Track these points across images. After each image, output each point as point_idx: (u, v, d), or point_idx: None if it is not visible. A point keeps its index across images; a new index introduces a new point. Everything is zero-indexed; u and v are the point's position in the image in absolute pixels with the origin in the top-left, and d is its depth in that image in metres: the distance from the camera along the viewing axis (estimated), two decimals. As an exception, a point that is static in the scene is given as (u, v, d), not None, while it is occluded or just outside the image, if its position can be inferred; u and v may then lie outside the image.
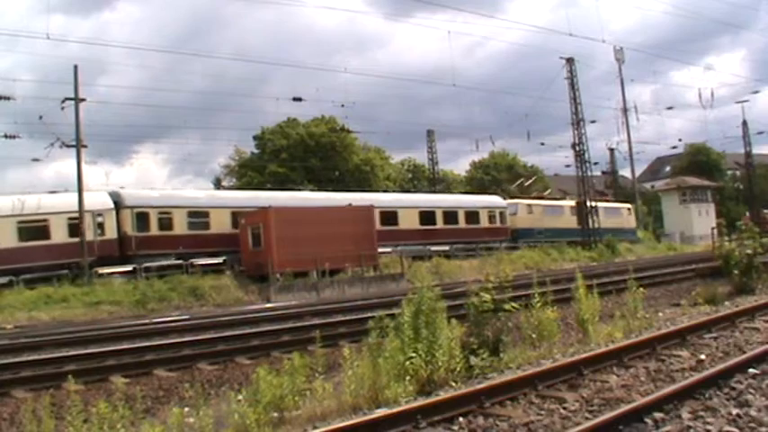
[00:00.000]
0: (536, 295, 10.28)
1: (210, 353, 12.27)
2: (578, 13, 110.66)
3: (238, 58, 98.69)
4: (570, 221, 45.16)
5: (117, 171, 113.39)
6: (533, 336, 10.05)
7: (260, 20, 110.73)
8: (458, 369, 8.17)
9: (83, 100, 27.92)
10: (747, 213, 56.36)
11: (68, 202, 27.06)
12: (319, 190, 42.43)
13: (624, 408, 6.06)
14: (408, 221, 36.17)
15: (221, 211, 30.68)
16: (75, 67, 27.53)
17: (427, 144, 56.54)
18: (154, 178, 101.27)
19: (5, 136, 29.88)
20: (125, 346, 13.64)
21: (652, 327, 11.18)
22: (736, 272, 16.14)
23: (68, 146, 27.95)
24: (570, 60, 45.02)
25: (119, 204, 28.37)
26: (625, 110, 57.36)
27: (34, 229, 26.16)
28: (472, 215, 39.46)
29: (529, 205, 44.57)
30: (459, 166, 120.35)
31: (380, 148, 60.37)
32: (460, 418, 6.40)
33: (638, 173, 68.42)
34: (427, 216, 37.31)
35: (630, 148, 59.88)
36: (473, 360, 8.42)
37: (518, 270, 29.39)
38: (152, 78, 73.53)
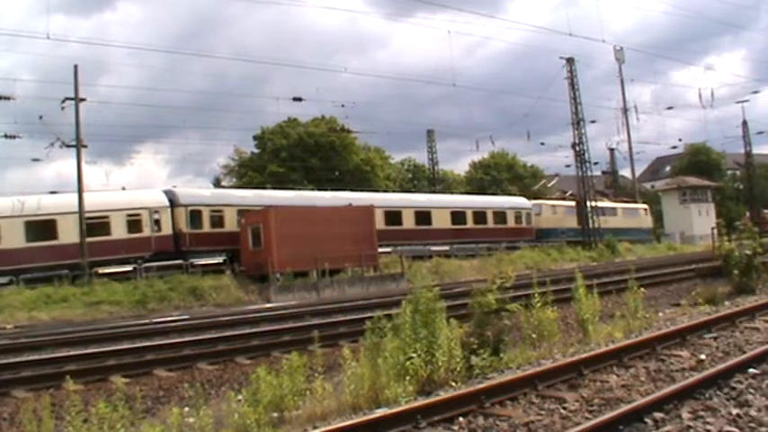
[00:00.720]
0: (536, 295, 10.27)
1: (210, 353, 12.27)
2: (579, 14, 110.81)
3: (239, 59, 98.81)
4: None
5: (117, 171, 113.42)
6: (533, 336, 10.05)
7: (260, 20, 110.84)
8: (458, 369, 8.17)
9: (83, 100, 27.96)
10: (747, 213, 56.43)
11: (127, 199, 29.40)
12: (319, 190, 42.49)
13: (624, 408, 6.06)
14: (441, 221, 38.00)
15: None
16: (75, 67, 27.56)
17: (427, 144, 56.60)
18: (154, 178, 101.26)
19: (5, 136, 29.90)
20: (125, 345, 13.65)
21: (652, 327, 11.18)
22: (736, 272, 16.13)
23: (68, 146, 27.97)
24: (570, 60, 45.03)
25: (174, 202, 29.77)
26: (625, 110, 57.49)
27: (98, 225, 27.59)
28: (500, 215, 41.53)
29: (552, 206, 46.67)
30: (460, 166, 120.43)
31: (380, 148, 60.45)
32: (460, 418, 6.40)
33: (638, 173, 68.54)
34: (458, 216, 39.27)
35: (630, 148, 60.01)
36: (473, 360, 8.42)
37: (518, 270, 29.36)
38: (153, 78, 73.68)
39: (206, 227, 30.22)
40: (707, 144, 71.82)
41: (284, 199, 33.74)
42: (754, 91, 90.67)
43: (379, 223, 33.36)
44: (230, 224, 30.72)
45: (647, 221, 53.39)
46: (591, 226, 44.51)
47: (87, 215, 26.82)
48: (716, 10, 77.65)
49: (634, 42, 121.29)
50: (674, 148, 67.81)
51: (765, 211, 59.93)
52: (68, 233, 26.48)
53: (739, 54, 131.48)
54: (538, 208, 44.86)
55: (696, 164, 72.15)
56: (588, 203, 45.60)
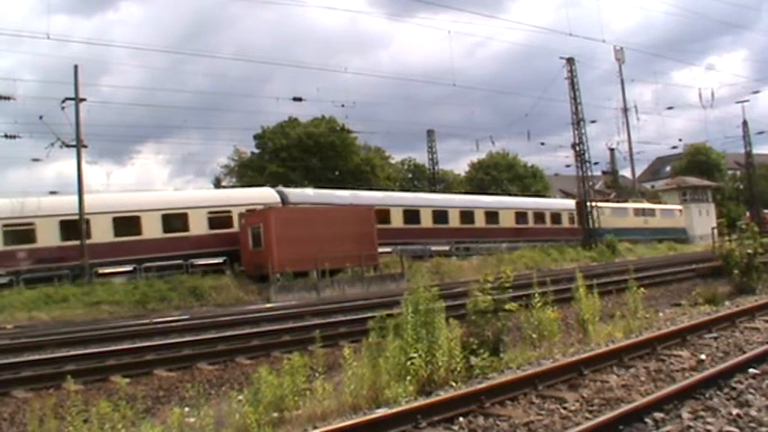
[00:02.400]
0: (536, 295, 10.27)
1: (211, 353, 12.26)
2: (580, 14, 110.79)
3: (240, 59, 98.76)
4: (634, 222, 51.34)
5: (118, 171, 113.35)
6: (533, 336, 10.05)
7: (262, 20, 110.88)
8: (458, 369, 8.17)
9: (83, 100, 27.96)
10: (747, 213, 56.47)
11: (245, 196, 33.02)
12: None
13: (624, 408, 6.06)
14: (507, 221, 42.38)
15: None
16: (76, 67, 27.56)
17: (427, 144, 56.63)
18: (154, 178, 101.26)
19: (6, 136, 29.89)
20: (125, 345, 13.65)
21: (652, 327, 11.18)
22: (736, 272, 16.14)
23: (68, 146, 27.97)
24: (570, 60, 45.02)
25: (284, 200, 32.98)
26: (625, 110, 57.56)
27: (222, 219, 30.38)
28: (556, 216, 46.05)
29: (600, 207, 48.87)
30: (460, 167, 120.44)
31: (381, 148, 60.47)
32: (461, 418, 6.40)
33: (638, 173, 68.62)
34: (521, 216, 43.67)
35: (631, 148, 60.11)
36: (473, 360, 8.42)
37: (518, 270, 29.39)
38: (154, 78, 73.68)
39: None
40: (707, 144, 71.91)
41: (370, 198, 37.10)
42: (755, 91, 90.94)
43: (454, 221, 38.82)
44: None
45: (681, 221, 56.42)
46: (591, 225, 44.60)
47: (213, 210, 30.52)
48: (717, 10, 77.83)
49: (635, 42, 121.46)
50: (675, 148, 67.95)
51: (765, 211, 59.98)
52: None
53: (740, 54, 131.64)
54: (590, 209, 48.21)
55: (696, 164, 72.16)
56: (633, 204, 51.09)
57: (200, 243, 29.59)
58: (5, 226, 26.25)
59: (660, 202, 59.09)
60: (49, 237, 26.95)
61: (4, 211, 26.36)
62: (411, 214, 37.21)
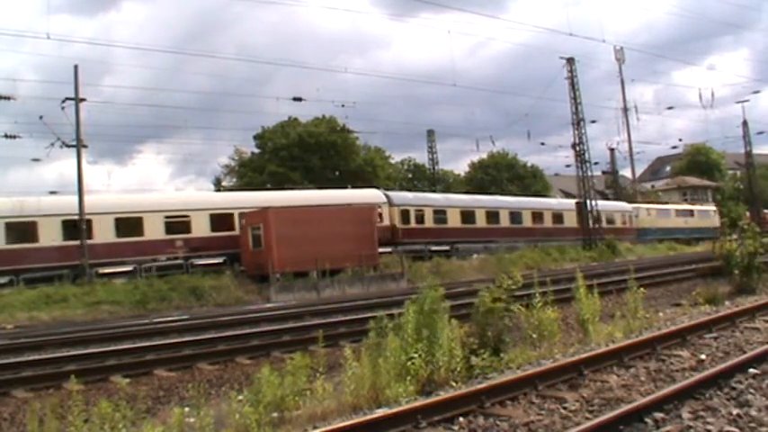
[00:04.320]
0: (537, 295, 10.27)
1: (211, 353, 12.26)
2: (582, 14, 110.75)
3: (242, 59, 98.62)
4: (676, 222, 54.24)
5: (119, 171, 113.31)
6: (534, 336, 10.05)
7: (264, 20, 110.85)
8: (458, 369, 8.17)
9: (83, 100, 27.92)
10: (748, 213, 56.54)
11: (356, 195, 36.30)
12: (320, 189, 42.57)
13: (624, 408, 6.06)
14: (570, 221, 45.57)
15: (454, 210, 39.54)
16: (76, 66, 27.54)
17: (427, 144, 56.64)
18: (155, 178, 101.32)
19: (6, 136, 29.86)
20: (125, 345, 13.64)
21: (652, 327, 11.18)
22: (736, 272, 16.13)
23: (68, 146, 27.94)
24: (570, 60, 44.96)
25: (389, 202, 36.17)
26: (625, 110, 57.55)
27: None
28: (611, 216, 49.34)
29: (647, 209, 54.27)
30: (460, 166, 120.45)
31: (381, 148, 60.46)
32: (461, 418, 6.40)
33: (638, 173, 68.57)
34: (539, 217, 45.80)
35: (631, 148, 60.15)
36: (474, 360, 8.43)
37: (519, 270, 29.33)
38: (156, 78, 73.60)
39: (412, 223, 36.75)
40: (707, 144, 71.87)
41: (467, 201, 41.91)
42: (755, 91, 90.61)
43: (527, 221, 42.79)
44: (428, 221, 37.62)
45: (716, 221, 57.53)
46: (593, 225, 44.61)
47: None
48: (718, 10, 77.77)
49: (636, 42, 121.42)
50: (675, 148, 67.92)
51: (765, 211, 60.05)
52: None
53: (741, 54, 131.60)
54: (637, 211, 52.41)
55: (696, 164, 72.15)
56: (675, 206, 54.55)
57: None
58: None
59: (660, 202, 59.80)
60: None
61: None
62: (469, 215, 40.33)
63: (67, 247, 26.99)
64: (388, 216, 35.48)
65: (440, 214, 38.32)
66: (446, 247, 36.99)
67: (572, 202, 49.41)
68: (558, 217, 45.48)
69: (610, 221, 48.41)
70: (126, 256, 28.11)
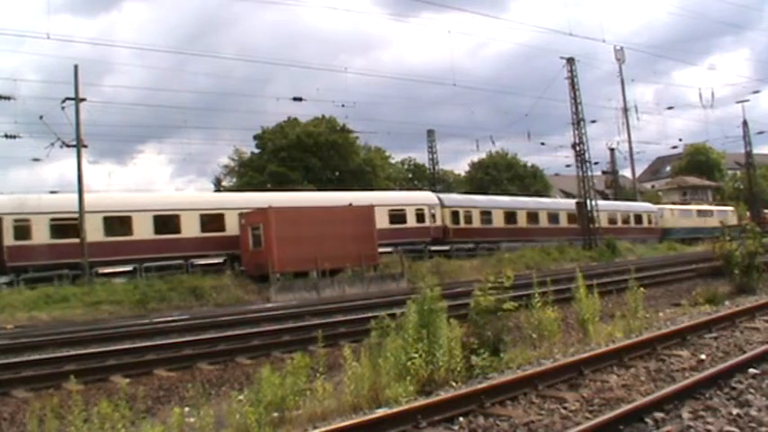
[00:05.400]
0: (536, 295, 10.27)
1: (211, 353, 12.26)
2: (582, 14, 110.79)
3: (243, 59, 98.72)
4: (697, 222, 56.09)
5: (119, 171, 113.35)
6: (534, 335, 10.05)
7: (265, 20, 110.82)
8: (458, 369, 8.17)
9: (83, 100, 27.90)
10: (748, 213, 56.56)
11: (413, 197, 40.38)
12: (319, 190, 42.63)
13: (624, 407, 6.06)
14: (604, 221, 48.09)
15: (499, 211, 42.64)
16: (76, 66, 27.53)
17: (428, 144, 56.62)
18: (156, 178, 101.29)
19: (6, 136, 29.85)
20: (125, 345, 13.64)
21: (652, 327, 11.17)
22: (736, 272, 16.12)
23: (69, 146, 27.92)
24: (570, 60, 44.91)
25: (442, 204, 38.84)
26: (625, 109, 57.57)
27: (399, 215, 36.41)
28: (639, 217, 52.72)
29: (671, 210, 57.03)
30: (460, 166, 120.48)
31: (381, 148, 60.46)
32: (461, 418, 6.40)
33: (638, 173, 68.56)
34: (612, 217, 50.21)
35: (631, 148, 60.19)
36: (474, 360, 8.42)
37: (519, 270, 29.38)
38: (157, 78, 73.63)
39: (462, 223, 39.57)
40: (707, 144, 71.85)
41: (509, 202, 44.56)
42: (755, 91, 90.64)
43: (563, 222, 45.81)
44: (476, 222, 40.60)
45: (734, 221, 59.11)
46: (592, 225, 44.61)
47: (393, 207, 36.38)
48: (718, 10, 77.74)
49: (637, 42, 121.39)
50: (675, 148, 67.88)
51: (765, 211, 60.08)
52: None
53: (741, 54, 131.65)
54: (661, 211, 55.22)
55: (696, 164, 72.12)
56: (696, 206, 56.12)
57: (382, 236, 33.68)
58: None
59: (683, 203, 61.81)
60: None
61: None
62: (511, 215, 43.36)
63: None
64: (440, 217, 38.29)
65: (486, 215, 41.49)
66: (493, 245, 39.85)
67: (603, 203, 51.61)
68: (612, 217, 49.42)
69: (638, 221, 51.79)
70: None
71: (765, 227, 39.47)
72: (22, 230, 26.31)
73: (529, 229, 43.05)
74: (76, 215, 26.81)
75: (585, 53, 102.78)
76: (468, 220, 40.20)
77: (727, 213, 59.51)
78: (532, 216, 44.19)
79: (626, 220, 50.98)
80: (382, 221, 34.05)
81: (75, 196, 27.39)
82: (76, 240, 26.46)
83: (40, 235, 26.62)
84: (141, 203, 30.11)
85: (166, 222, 29.67)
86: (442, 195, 40.63)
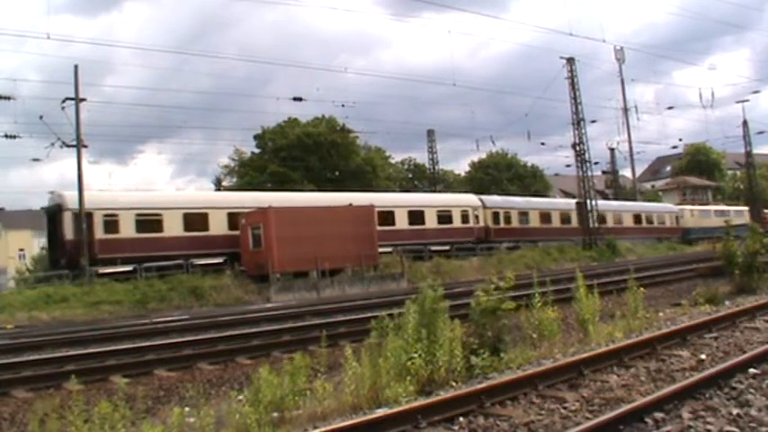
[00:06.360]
0: (536, 295, 10.26)
1: (211, 353, 12.26)
2: (582, 14, 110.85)
3: (243, 59, 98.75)
4: (715, 222, 56.16)
5: (120, 171, 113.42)
6: (534, 335, 10.04)
7: (266, 20, 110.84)
8: (458, 369, 8.16)
9: (83, 100, 27.92)
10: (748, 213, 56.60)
11: (458, 198, 42.32)
12: (319, 190, 42.64)
13: (624, 407, 6.05)
14: (628, 221, 52.13)
15: (535, 212, 44.98)
16: (76, 66, 27.54)
17: (428, 144, 56.60)
18: (156, 178, 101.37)
19: (6, 136, 29.84)
20: (125, 345, 13.64)
21: (652, 326, 11.17)
22: (737, 271, 16.11)
23: (69, 146, 27.92)
24: (570, 60, 44.90)
25: (483, 205, 41.24)
26: (625, 109, 57.62)
27: (446, 216, 38.83)
28: (662, 217, 55.75)
29: (691, 210, 59.00)
30: (460, 166, 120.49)
31: (381, 148, 60.44)
32: (461, 418, 6.40)
33: (638, 173, 68.57)
34: (637, 217, 53.46)
35: (631, 148, 60.28)
36: (474, 360, 8.42)
37: (519, 270, 29.37)
38: (157, 78, 73.68)
39: (502, 224, 42.02)
40: (707, 144, 71.83)
41: (545, 203, 48.04)
42: (755, 91, 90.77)
43: (629, 221, 51.03)
44: (514, 222, 42.97)
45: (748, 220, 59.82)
46: (592, 225, 44.63)
47: (440, 209, 38.76)
48: (719, 10, 77.70)
49: (638, 43, 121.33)
50: (675, 147, 67.89)
51: (766, 211, 60.08)
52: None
53: (742, 54, 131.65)
54: (683, 212, 57.33)
55: (696, 164, 72.09)
56: (714, 206, 57.21)
57: (432, 235, 37.45)
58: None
59: (703, 203, 62.84)
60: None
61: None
62: (546, 216, 45.91)
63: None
64: (483, 218, 40.78)
65: (523, 215, 43.95)
66: (530, 244, 42.20)
67: (631, 204, 55.69)
68: (616, 218, 51.36)
69: (661, 222, 54.75)
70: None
71: (766, 227, 39.46)
72: (111, 225, 28.05)
73: (561, 229, 45.70)
74: (159, 211, 29.29)
75: (585, 53, 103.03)
76: (508, 220, 42.64)
77: (743, 213, 60.78)
78: (565, 217, 46.64)
79: (650, 220, 53.73)
80: (431, 222, 37.81)
81: (158, 194, 31.43)
82: (159, 234, 28.73)
83: (127, 229, 28.33)
84: (218, 201, 32.09)
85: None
86: (483, 197, 42.69)
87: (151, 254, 27.85)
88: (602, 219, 47.37)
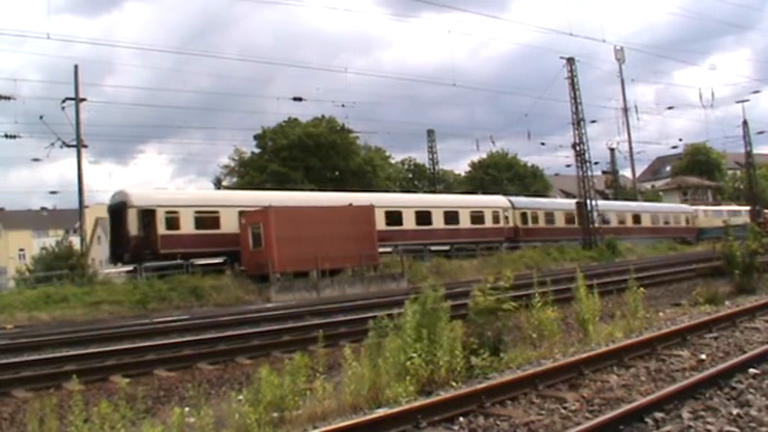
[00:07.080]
0: (536, 295, 10.26)
1: (211, 353, 12.25)
2: (582, 14, 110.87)
3: (244, 59, 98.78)
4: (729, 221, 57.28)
5: (120, 171, 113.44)
6: (534, 335, 10.03)
7: (266, 20, 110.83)
8: (458, 369, 8.16)
9: (83, 100, 28.00)
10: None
11: (489, 200, 43.69)
12: (320, 190, 42.64)
13: (624, 407, 6.05)
14: (646, 221, 53.83)
15: (560, 212, 46.95)
16: (76, 67, 27.61)
17: (428, 144, 56.62)
18: (156, 178, 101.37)
19: (6, 136, 29.86)
20: (125, 345, 13.63)
21: (652, 326, 11.16)
22: (737, 272, 16.11)
23: (69, 146, 27.97)
24: (570, 60, 44.91)
25: (513, 206, 42.84)
26: (625, 109, 57.64)
27: (478, 216, 40.69)
28: (677, 217, 57.51)
29: (704, 211, 60.76)
30: (460, 166, 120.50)
31: (381, 148, 60.45)
32: (461, 418, 6.40)
33: (638, 173, 68.59)
34: (655, 218, 55.56)
35: (631, 148, 60.29)
36: (474, 360, 8.41)
37: (519, 270, 29.39)
38: (158, 78, 73.69)
39: (530, 223, 43.69)
40: (707, 144, 71.83)
41: (566, 204, 48.54)
42: (755, 91, 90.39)
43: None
44: (541, 222, 44.77)
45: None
46: (592, 225, 44.65)
47: (473, 210, 40.44)
48: (719, 10, 77.77)
49: (638, 43, 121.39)
50: (675, 147, 67.89)
51: (766, 211, 60.08)
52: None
53: (742, 54, 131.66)
54: (697, 212, 58.91)
55: (696, 164, 72.08)
56: (727, 207, 58.10)
57: (465, 234, 39.19)
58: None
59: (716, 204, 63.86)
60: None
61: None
62: (570, 217, 47.06)
63: None
64: (512, 218, 42.48)
65: (549, 216, 45.80)
66: (556, 243, 43.27)
67: (648, 205, 57.18)
68: (636, 218, 53.11)
69: (677, 222, 56.64)
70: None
71: (766, 227, 39.47)
72: (172, 221, 29.18)
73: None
74: (216, 209, 30.57)
75: (586, 53, 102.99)
76: (536, 220, 44.44)
77: None
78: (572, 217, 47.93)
79: (666, 221, 55.83)
80: (465, 222, 39.75)
81: (216, 192, 34.08)
82: (216, 231, 29.82)
83: (187, 226, 29.46)
84: (276, 199, 32.54)
85: None
86: (512, 198, 44.43)
87: (208, 249, 28.93)
88: (621, 220, 49.92)
